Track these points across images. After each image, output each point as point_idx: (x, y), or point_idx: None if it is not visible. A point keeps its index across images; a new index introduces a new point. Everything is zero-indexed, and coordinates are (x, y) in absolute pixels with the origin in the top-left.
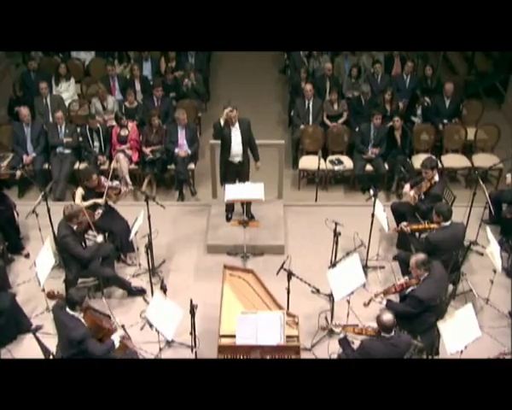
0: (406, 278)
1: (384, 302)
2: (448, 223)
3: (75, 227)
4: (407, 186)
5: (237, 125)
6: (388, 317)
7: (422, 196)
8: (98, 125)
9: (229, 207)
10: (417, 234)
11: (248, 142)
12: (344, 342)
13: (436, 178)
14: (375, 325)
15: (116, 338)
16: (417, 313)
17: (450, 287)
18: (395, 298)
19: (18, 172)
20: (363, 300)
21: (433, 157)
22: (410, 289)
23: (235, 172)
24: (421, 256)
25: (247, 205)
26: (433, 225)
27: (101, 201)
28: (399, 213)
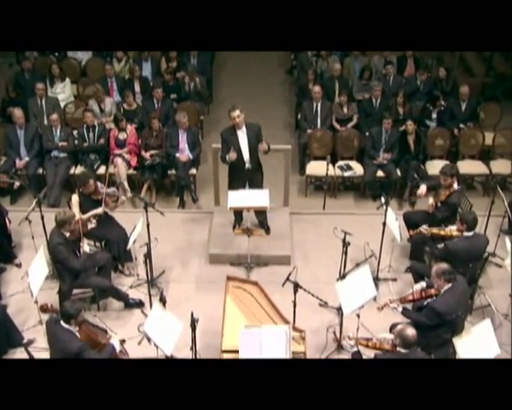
0: (423, 283)
1: (399, 309)
2: (471, 233)
3: (68, 235)
4: (423, 187)
5: (244, 129)
6: (413, 332)
7: (439, 204)
8: (95, 122)
9: (238, 217)
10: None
11: (257, 147)
12: (356, 357)
13: (455, 186)
14: (387, 335)
15: (116, 342)
16: (433, 326)
17: None
18: (409, 307)
19: (17, 183)
20: (374, 313)
21: (454, 164)
22: (428, 301)
23: (242, 180)
24: (443, 265)
25: (260, 216)
26: (454, 233)
27: (100, 210)
28: (412, 222)
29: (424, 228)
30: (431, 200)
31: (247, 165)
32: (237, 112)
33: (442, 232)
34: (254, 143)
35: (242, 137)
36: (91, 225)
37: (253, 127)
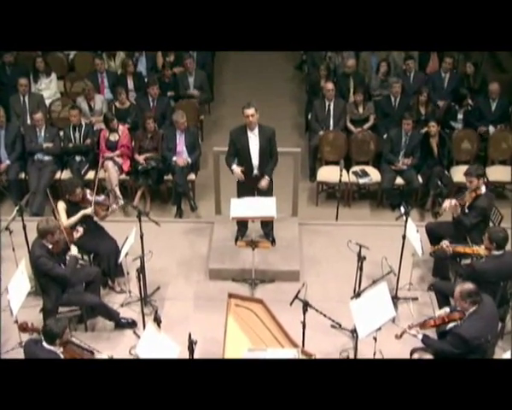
0: (447, 309)
1: (419, 336)
2: (500, 252)
3: (50, 246)
4: (447, 202)
5: (256, 131)
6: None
7: (466, 210)
8: (82, 121)
9: (242, 228)
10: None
11: (269, 154)
12: None
13: (482, 189)
14: None
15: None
16: (459, 354)
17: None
18: (431, 333)
19: None
20: (393, 336)
21: (480, 166)
22: (452, 325)
23: (251, 189)
24: (468, 286)
25: (266, 226)
26: (481, 251)
27: (90, 210)
28: (436, 235)
29: (446, 244)
30: (454, 201)
31: (255, 171)
32: (252, 110)
33: (467, 250)
34: (266, 148)
35: (253, 139)
36: (78, 234)
37: (267, 131)
